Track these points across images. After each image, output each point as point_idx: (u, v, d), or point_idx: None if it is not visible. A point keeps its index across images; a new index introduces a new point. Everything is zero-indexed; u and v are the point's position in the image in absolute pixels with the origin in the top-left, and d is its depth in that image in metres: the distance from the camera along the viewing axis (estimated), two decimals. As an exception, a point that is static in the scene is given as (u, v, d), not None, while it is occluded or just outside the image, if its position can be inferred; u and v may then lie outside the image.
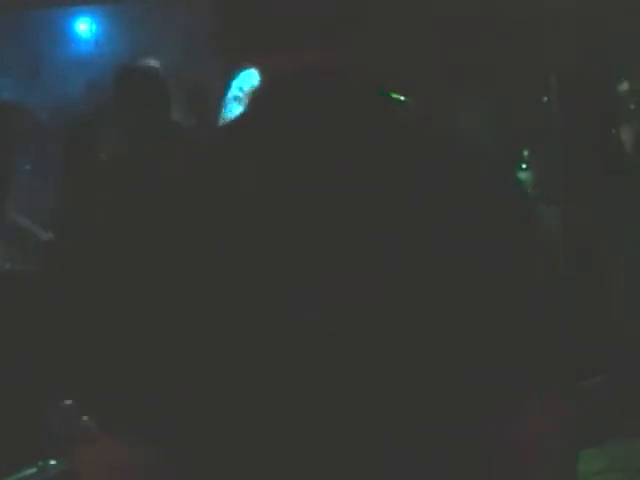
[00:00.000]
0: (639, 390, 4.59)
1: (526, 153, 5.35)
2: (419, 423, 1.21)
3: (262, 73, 1.26)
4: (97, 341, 1.23)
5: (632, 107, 5.00)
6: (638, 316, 4.92)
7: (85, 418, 1.23)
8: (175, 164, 1.25)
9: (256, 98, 1.27)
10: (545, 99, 5.33)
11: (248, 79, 2.73)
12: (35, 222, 4.09)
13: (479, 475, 1.25)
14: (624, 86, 5.01)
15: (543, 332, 1.28)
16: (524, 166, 5.33)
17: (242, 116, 1.28)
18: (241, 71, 2.62)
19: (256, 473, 1.21)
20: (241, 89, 2.80)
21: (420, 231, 1.21)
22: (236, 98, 2.80)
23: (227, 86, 2.82)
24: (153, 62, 3.95)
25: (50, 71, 6.06)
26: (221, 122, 2.83)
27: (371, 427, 1.20)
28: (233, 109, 2.78)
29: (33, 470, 2.69)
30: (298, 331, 1.19)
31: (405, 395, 1.20)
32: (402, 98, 4.07)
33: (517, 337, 1.24)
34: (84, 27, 6.46)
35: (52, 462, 2.64)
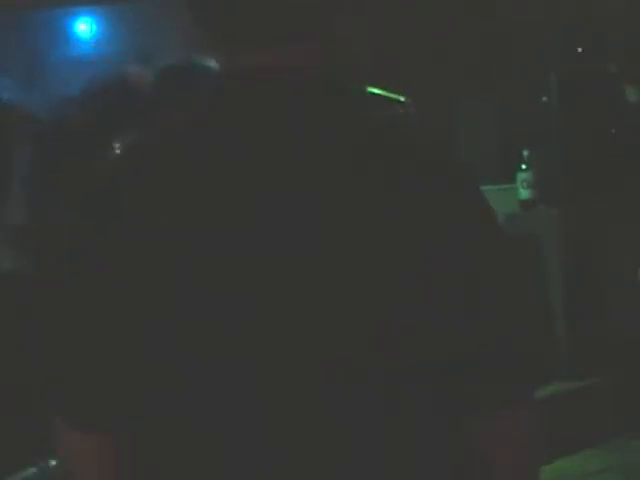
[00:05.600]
0: (639, 390, 4.59)
1: (526, 153, 5.34)
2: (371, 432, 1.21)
3: (243, 71, 1.25)
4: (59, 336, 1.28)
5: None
6: (637, 315, 4.92)
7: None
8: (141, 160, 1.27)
9: (235, 95, 1.26)
10: (545, 99, 5.32)
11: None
12: (35, 222, 4.08)
13: None
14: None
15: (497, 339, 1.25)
16: (524, 166, 5.33)
17: (216, 113, 1.27)
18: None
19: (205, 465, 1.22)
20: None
21: (379, 232, 1.20)
22: None
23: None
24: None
25: (50, 71, 6.05)
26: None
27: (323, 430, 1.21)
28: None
29: (33, 470, 2.69)
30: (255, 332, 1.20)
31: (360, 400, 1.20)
32: (401, 99, 4.07)
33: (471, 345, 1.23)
34: (84, 27, 6.46)
35: (53, 462, 2.64)
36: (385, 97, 4.15)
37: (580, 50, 5.34)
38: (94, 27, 6.45)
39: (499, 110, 5.66)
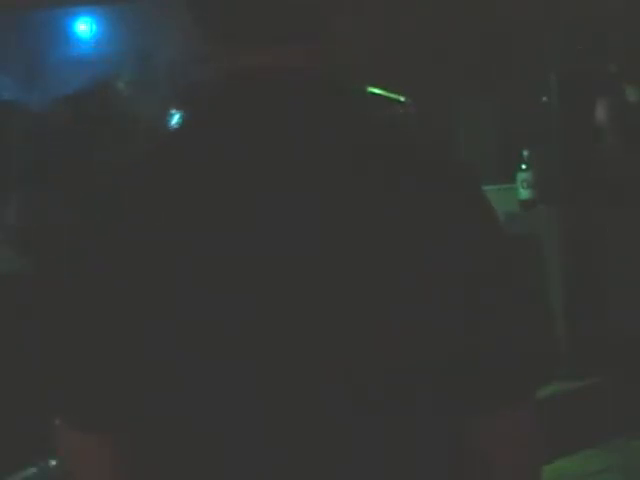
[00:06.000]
0: (639, 390, 4.59)
1: (526, 153, 5.34)
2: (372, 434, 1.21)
3: (243, 71, 1.25)
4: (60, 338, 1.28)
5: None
6: (637, 315, 4.92)
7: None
8: (135, 166, 1.27)
9: (235, 95, 1.26)
10: (545, 99, 5.32)
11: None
12: (35, 223, 4.08)
13: None
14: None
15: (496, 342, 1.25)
16: (524, 166, 5.33)
17: (216, 113, 1.27)
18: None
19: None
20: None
21: (379, 232, 1.20)
22: None
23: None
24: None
25: (50, 71, 6.05)
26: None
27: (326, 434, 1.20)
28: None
29: (33, 470, 2.69)
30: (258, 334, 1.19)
31: (363, 403, 1.20)
32: (401, 99, 4.07)
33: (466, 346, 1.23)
34: (84, 27, 6.46)
35: (53, 462, 2.64)
36: (385, 97, 4.16)
37: (580, 50, 5.34)
38: (94, 27, 6.44)
39: (499, 110, 5.66)
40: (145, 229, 1.21)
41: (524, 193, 5.31)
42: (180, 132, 1.29)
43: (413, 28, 5.52)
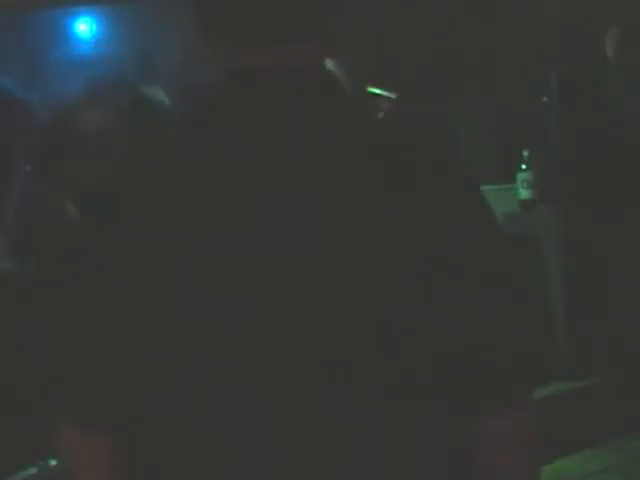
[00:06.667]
0: (639, 390, 4.59)
1: (526, 153, 5.34)
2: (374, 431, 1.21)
3: (243, 71, 1.25)
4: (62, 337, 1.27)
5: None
6: (637, 315, 4.91)
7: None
8: (137, 167, 1.27)
9: (235, 95, 1.26)
10: (545, 99, 5.32)
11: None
12: (34, 223, 4.08)
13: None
14: None
15: (495, 339, 1.25)
16: (524, 166, 5.33)
17: (216, 113, 1.26)
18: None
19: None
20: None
21: (379, 232, 1.20)
22: None
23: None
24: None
25: (50, 71, 6.06)
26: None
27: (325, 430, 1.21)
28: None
29: (34, 470, 2.69)
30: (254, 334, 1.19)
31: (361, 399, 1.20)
32: (393, 96, 4.07)
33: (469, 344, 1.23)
34: (84, 27, 6.47)
35: (53, 462, 2.64)
36: (384, 97, 4.16)
37: (578, 50, 5.34)
38: (94, 27, 6.45)
39: (499, 110, 5.66)
40: (145, 229, 1.21)
41: (524, 193, 5.32)
42: (180, 132, 1.29)
43: (413, 28, 5.52)
